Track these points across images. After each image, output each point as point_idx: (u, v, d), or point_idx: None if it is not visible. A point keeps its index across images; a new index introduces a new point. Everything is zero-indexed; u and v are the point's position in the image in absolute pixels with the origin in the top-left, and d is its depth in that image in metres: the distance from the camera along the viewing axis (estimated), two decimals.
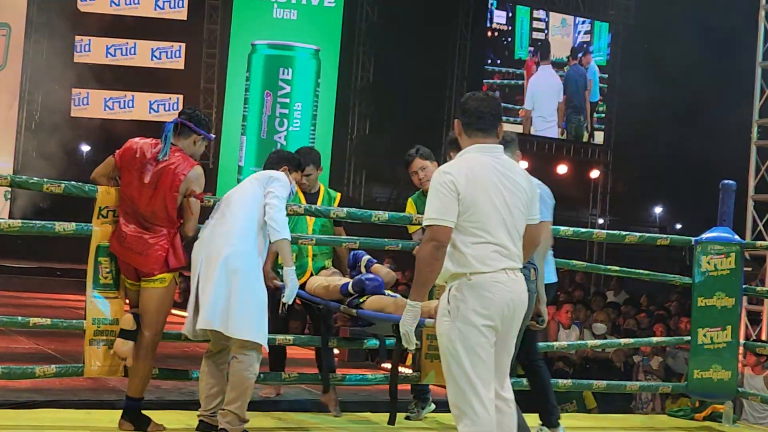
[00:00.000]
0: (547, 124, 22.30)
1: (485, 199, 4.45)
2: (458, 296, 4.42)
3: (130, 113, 18.94)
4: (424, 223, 4.49)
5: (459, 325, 4.40)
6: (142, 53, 19.06)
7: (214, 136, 6.03)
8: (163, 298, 5.61)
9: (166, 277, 5.58)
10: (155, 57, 19.14)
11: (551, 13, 22.41)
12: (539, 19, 22.23)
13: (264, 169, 6.01)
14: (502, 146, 4.66)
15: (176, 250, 5.58)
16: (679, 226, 22.44)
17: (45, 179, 5.90)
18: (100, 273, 5.74)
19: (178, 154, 5.63)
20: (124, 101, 18.97)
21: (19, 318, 5.99)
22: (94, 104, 18.83)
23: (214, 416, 5.59)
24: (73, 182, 5.83)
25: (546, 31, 22.34)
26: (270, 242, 5.66)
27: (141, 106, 19.06)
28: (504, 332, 4.52)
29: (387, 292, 6.37)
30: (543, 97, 22.18)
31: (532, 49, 22.13)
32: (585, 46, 22.79)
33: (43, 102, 19.04)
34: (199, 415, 5.66)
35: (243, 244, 5.57)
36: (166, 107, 18.90)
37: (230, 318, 5.46)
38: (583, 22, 22.76)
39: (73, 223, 5.87)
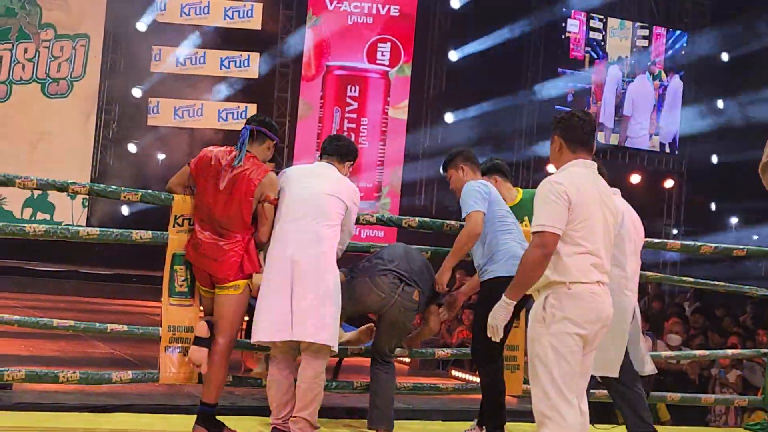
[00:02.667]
0: (642, 132, 22.21)
1: (591, 211, 4.62)
2: (556, 304, 4.54)
3: (204, 121, 19.14)
4: (533, 230, 4.58)
5: (554, 331, 4.52)
6: (213, 62, 19.25)
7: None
8: (238, 304, 5.68)
9: (240, 284, 5.64)
10: (224, 66, 19.35)
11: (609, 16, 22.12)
12: (596, 19, 21.90)
13: (331, 152, 6.00)
14: (596, 164, 4.83)
15: (251, 256, 5.65)
16: (756, 237, 22.00)
17: (122, 188, 6.02)
18: (175, 281, 5.83)
19: (252, 160, 5.72)
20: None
21: (97, 324, 6.11)
22: (168, 113, 19.06)
23: (286, 423, 5.65)
24: (149, 191, 5.93)
25: (603, 33, 22.02)
26: None
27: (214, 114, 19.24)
28: (590, 343, 4.63)
29: None
30: (640, 105, 22.14)
31: (588, 48, 21.83)
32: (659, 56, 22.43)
33: (120, 111, 19.35)
34: (271, 423, 5.71)
35: (330, 253, 5.69)
36: (238, 115, 19.08)
37: (316, 324, 5.54)
38: (642, 27, 22.37)
39: (150, 232, 5.98)
